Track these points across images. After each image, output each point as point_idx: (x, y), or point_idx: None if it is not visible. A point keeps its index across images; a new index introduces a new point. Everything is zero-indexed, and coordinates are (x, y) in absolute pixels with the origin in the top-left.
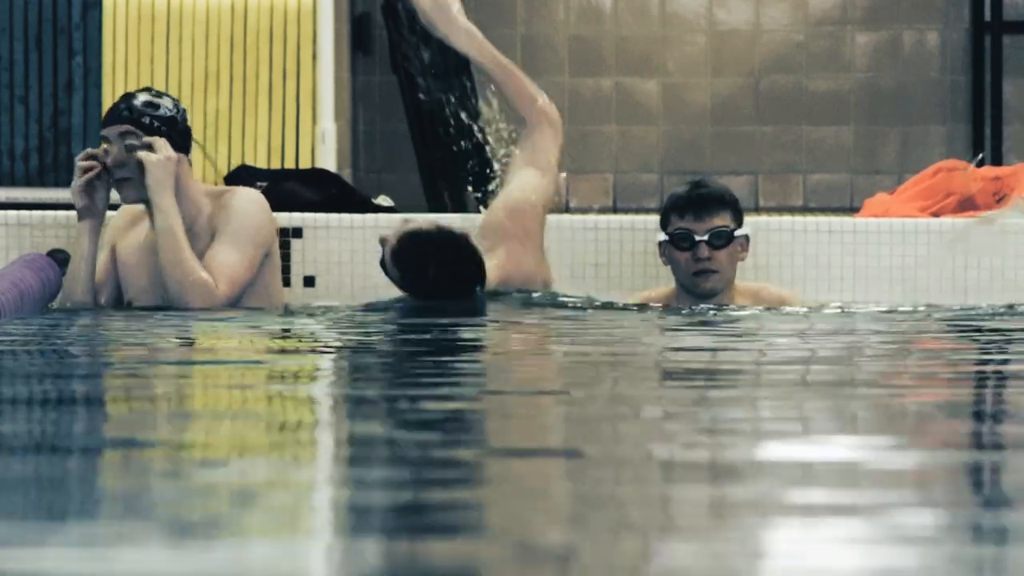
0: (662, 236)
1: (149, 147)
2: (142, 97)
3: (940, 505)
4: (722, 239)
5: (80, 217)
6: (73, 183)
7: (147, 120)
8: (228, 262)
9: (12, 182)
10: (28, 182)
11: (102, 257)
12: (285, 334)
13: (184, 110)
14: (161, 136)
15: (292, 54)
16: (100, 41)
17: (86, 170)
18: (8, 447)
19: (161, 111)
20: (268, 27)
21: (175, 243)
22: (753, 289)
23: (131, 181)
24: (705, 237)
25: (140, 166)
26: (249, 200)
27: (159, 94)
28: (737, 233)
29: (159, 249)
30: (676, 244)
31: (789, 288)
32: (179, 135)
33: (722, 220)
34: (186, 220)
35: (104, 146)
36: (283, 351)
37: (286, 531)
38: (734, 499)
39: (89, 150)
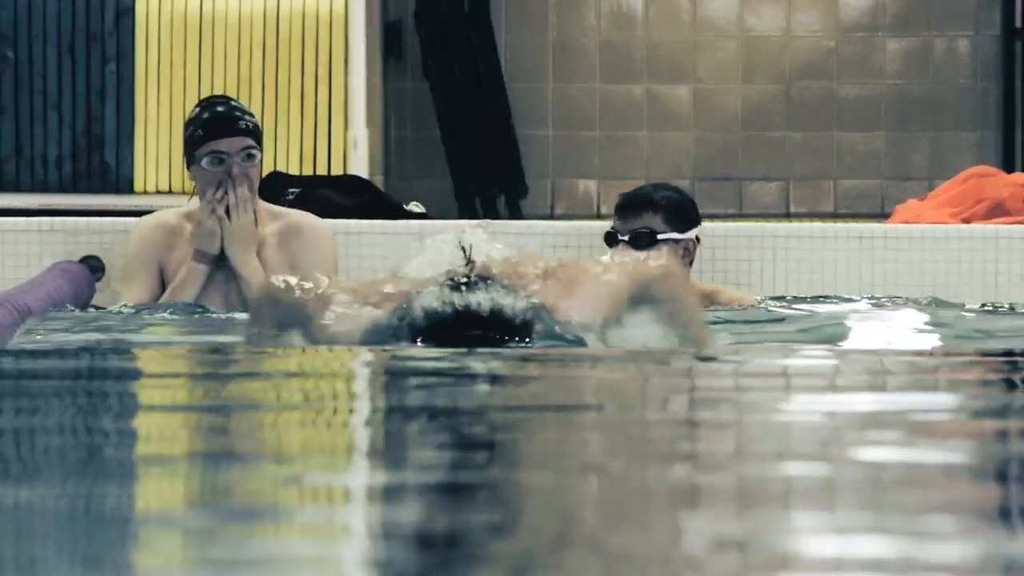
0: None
1: (226, 206)
2: (236, 103)
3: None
4: (643, 241)
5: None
6: (210, 223)
7: (260, 132)
8: None
9: (45, 188)
10: (61, 188)
11: (143, 276)
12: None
13: None
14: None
15: (324, 61)
16: (133, 48)
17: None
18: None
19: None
20: (300, 34)
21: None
22: (709, 291)
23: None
24: (626, 238)
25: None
26: (326, 236)
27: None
28: (667, 236)
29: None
30: (607, 243)
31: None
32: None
33: (646, 222)
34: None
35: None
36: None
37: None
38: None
39: (217, 191)
